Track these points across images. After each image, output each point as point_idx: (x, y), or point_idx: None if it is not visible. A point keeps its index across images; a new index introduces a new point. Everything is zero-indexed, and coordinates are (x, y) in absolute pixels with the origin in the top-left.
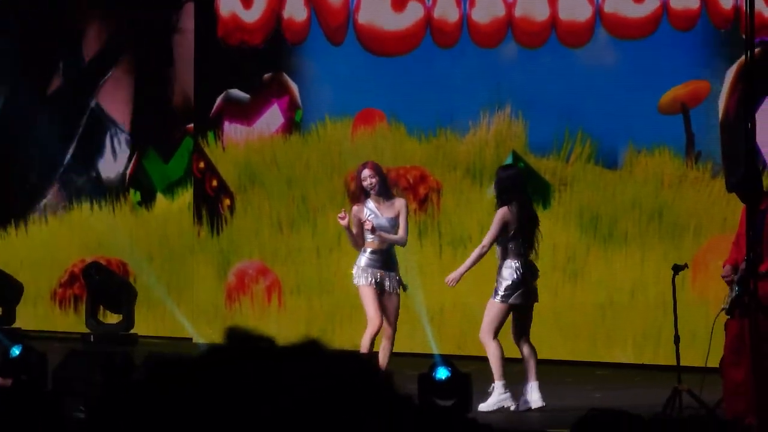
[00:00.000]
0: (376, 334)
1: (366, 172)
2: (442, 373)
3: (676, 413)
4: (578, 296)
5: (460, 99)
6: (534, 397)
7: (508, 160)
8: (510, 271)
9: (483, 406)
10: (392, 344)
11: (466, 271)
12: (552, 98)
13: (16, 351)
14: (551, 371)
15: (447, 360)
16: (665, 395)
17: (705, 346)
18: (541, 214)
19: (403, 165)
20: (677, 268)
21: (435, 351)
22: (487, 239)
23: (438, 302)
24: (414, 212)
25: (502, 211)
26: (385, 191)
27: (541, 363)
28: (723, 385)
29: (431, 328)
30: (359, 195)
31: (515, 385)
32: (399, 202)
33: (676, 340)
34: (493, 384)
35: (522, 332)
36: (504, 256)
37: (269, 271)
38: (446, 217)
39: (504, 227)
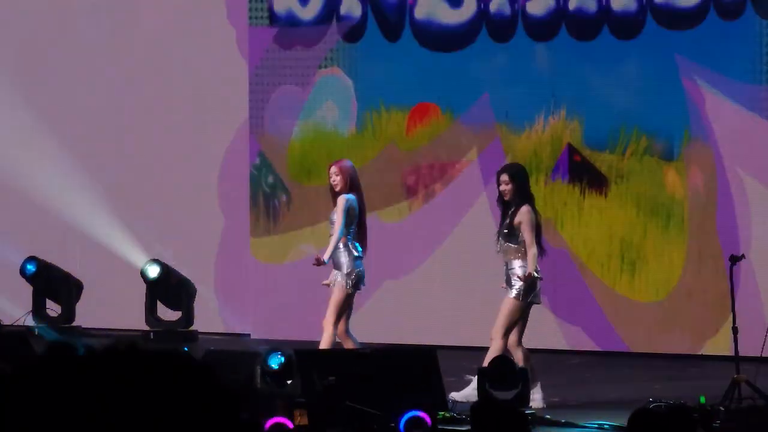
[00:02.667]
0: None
1: (332, 170)
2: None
3: (735, 404)
4: (636, 286)
5: (515, 94)
6: (537, 396)
7: (565, 155)
8: (525, 270)
9: (457, 395)
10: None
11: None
12: (605, 94)
13: None
14: (610, 362)
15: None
16: (724, 386)
17: (762, 335)
18: (599, 205)
19: (458, 159)
20: (734, 259)
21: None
22: (530, 241)
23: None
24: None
25: (529, 212)
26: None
27: (601, 354)
28: None
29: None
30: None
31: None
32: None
33: (734, 330)
34: (469, 376)
35: (521, 334)
36: (519, 255)
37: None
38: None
39: (535, 227)
